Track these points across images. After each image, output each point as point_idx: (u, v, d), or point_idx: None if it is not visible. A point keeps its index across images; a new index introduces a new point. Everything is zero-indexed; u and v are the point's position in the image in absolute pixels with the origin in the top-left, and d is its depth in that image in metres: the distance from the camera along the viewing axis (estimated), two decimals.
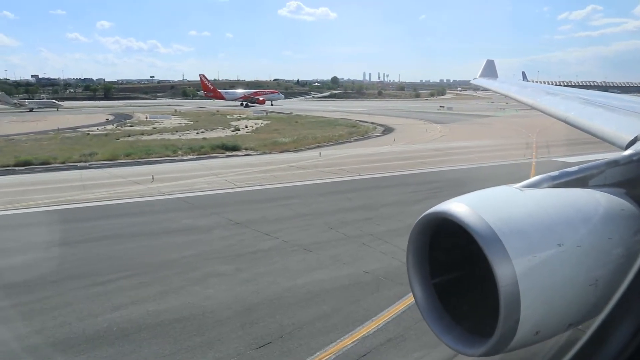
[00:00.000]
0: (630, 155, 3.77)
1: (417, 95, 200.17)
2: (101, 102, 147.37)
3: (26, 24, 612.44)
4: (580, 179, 3.49)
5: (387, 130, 55.60)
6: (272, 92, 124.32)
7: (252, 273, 12.45)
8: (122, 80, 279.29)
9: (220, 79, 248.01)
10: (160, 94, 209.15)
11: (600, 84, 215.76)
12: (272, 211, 18.92)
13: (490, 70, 14.61)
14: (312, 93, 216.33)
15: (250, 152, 37.86)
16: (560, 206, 3.12)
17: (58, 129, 57.14)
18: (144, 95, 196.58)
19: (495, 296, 2.67)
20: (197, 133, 53.80)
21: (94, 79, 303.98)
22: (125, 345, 8.93)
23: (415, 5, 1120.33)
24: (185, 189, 23.30)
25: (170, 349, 8.75)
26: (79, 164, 32.63)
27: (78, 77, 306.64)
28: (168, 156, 35.72)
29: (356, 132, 52.52)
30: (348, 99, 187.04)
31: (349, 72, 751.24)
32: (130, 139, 48.54)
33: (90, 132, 54.86)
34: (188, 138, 48.64)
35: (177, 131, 56.35)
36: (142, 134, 53.07)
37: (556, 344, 2.96)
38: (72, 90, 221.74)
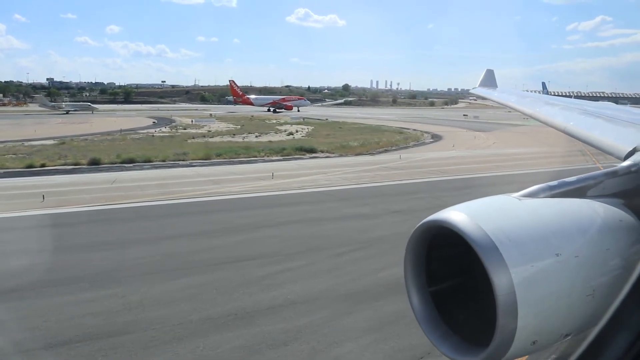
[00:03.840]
0: (629, 166, 3.76)
1: (432, 104, 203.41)
2: (125, 105, 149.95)
3: (37, 27, 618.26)
4: (578, 189, 3.48)
5: (435, 137, 58.25)
6: (299, 99, 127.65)
7: None
8: (132, 85, 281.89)
9: None
10: (175, 99, 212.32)
11: (609, 95, 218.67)
12: (413, 202, 21.53)
13: (489, 79, 14.40)
14: (327, 100, 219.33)
15: (328, 154, 40.54)
16: (558, 216, 3.08)
17: (121, 131, 59.84)
18: (162, 100, 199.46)
19: (492, 305, 2.67)
20: (256, 136, 56.52)
21: (105, 82, 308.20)
22: None
23: (423, 14, 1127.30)
24: (311, 185, 25.95)
25: None
26: (180, 162, 35.34)
27: (89, 81, 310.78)
28: (255, 157, 38.40)
29: (409, 138, 55.21)
30: (362, 106, 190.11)
31: (356, 80, 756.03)
32: (198, 140, 51.23)
33: (154, 134, 57.58)
34: (253, 141, 51.33)
35: (233, 134, 59.01)
36: (204, 136, 55.77)
37: (551, 354, 2.99)
38: (87, 94, 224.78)
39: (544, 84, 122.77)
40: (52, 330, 9.91)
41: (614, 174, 3.63)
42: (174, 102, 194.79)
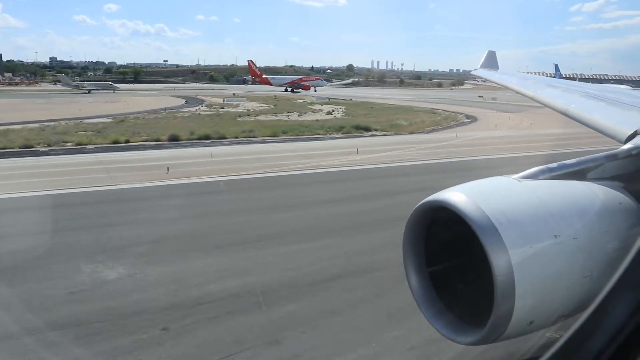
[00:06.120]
0: (629, 150, 3.81)
1: (439, 85, 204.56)
2: (142, 85, 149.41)
3: (33, 5, 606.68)
4: (578, 172, 3.55)
5: (470, 117, 60.22)
6: (316, 79, 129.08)
7: None
8: (132, 64, 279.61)
9: (238, 64, 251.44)
10: (182, 78, 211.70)
11: (612, 77, 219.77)
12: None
13: (491, 61, 14.63)
14: (334, 80, 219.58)
15: (384, 133, 42.64)
16: (557, 198, 3.15)
17: (165, 109, 61.50)
18: (170, 79, 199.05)
19: (490, 285, 2.74)
20: (298, 115, 58.38)
21: (106, 62, 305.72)
22: None
23: None
24: (398, 159, 28.18)
25: None
26: (252, 139, 37.32)
27: (90, 60, 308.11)
28: (318, 134, 40.41)
29: (447, 118, 57.26)
30: (370, 86, 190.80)
31: (357, 60, 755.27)
32: (246, 119, 53.05)
33: (200, 113, 59.33)
34: (299, 119, 53.18)
35: (275, 113, 60.78)
36: (248, 115, 57.60)
37: (544, 335, 3.09)
38: (91, 73, 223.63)
39: (556, 66, 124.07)
40: (313, 270, 12.08)
41: (614, 156, 3.72)
42: (183, 81, 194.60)
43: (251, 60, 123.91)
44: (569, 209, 3.12)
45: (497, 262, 2.72)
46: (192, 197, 19.66)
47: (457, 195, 3.06)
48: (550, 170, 3.49)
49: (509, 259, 2.73)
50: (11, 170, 24.58)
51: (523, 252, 2.79)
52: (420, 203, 3.26)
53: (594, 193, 3.33)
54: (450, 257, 3.43)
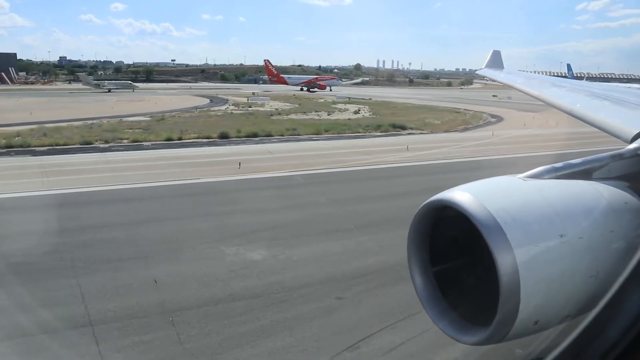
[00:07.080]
0: (635, 149, 3.80)
1: (449, 84, 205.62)
2: (159, 84, 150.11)
3: (40, 4, 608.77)
4: (583, 171, 3.55)
5: (495, 117, 61.36)
6: (331, 78, 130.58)
7: None
8: (139, 63, 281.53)
9: (246, 64, 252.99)
10: (193, 77, 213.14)
11: (619, 76, 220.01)
12: None
13: (496, 61, 14.69)
14: (344, 79, 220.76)
15: (422, 131, 43.96)
16: (563, 197, 3.16)
17: (197, 108, 62.91)
18: (181, 79, 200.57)
19: (495, 285, 2.73)
20: (328, 114, 59.70)
21: (113, 61, 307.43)
22: None
23: None
24: (449, 156, 29.57)
25: None
26: (299, 137, 38.58)
27: (98, 60, 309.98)
28: (359, 132, 41.73)
29: (474, 117, 58.54)
30: (380, 86, 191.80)
31: (362, 59, 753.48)
32: (278, 118, 54.36)
33: (231, 112, 60.69)
34: (332, 118, 54.44)
35: (304, 113, 62.04)
36: (279, 114, 58.93)
37: (551, 334, 3.09)
38: (101, 73, 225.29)
39: (568, 66, 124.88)
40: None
41: (620, 156, 3.74)
42: (195, 80, 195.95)
43: (268, 60, 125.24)
44: (575, 208, 3.14)
45: (502, 261, 2.73)
46: (277, 190, 21.02)
47: (462, 195, 3.11)
48: (556, 169, 3.51)
49: (514, 258, 2.74)
50: (88, 165, 25.96)
51: (528, 251, 2.80)
52: (425, 202, 3.32)
53: (599, 193, 3.34)
54: (455, 256, 3.44)
